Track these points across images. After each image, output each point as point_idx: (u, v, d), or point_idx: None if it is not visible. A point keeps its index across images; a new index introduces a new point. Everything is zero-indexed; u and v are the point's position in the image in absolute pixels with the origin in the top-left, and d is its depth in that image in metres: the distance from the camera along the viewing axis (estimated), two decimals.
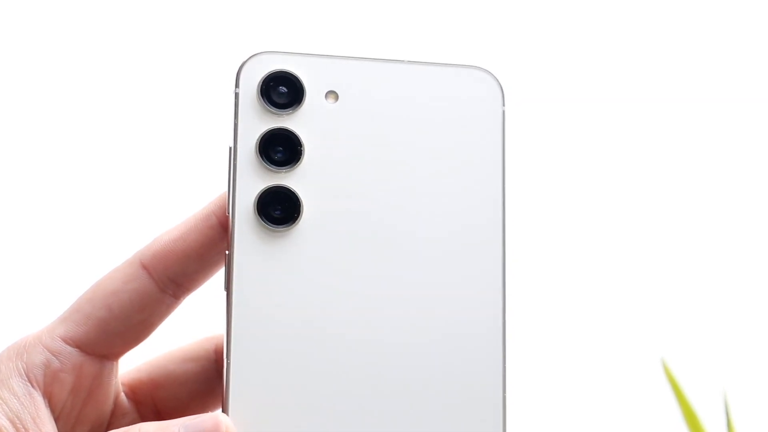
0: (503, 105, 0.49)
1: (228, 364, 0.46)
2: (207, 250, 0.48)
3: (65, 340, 0.47)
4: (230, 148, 0.47)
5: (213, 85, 0.82)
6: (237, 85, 0.47)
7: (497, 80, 0.49)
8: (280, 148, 0.47)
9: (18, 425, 0.46)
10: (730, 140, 0.94)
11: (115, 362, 0.49)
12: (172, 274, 0.47)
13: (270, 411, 0.46)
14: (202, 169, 0.84)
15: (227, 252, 0.46)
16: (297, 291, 0.46)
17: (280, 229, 0.47)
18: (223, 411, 0.46)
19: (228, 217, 0.47)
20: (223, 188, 0.48)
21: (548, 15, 0.92)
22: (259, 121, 0.47)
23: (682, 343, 0.91)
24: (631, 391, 0.91)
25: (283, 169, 0.47)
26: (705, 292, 0.92)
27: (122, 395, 0.50)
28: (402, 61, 0.48)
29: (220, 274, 0.48)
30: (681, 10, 0.94)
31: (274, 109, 0.47)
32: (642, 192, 0.93)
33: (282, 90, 0.47)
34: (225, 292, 0.46)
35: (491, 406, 0.47)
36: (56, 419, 0.47)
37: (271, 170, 0.47)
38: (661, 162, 0.93)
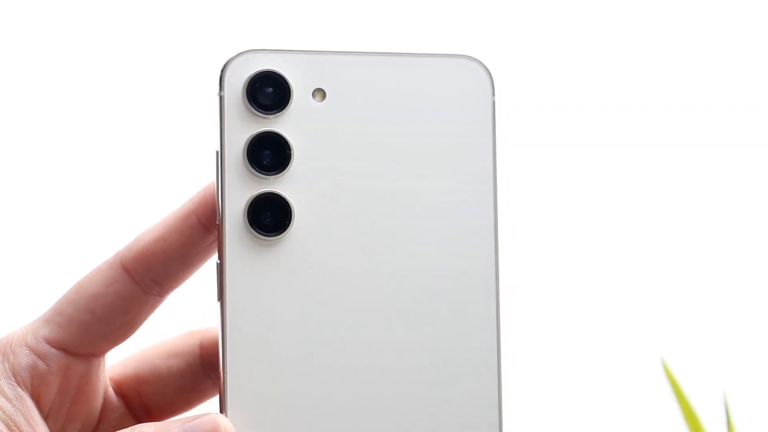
0: (493, 95, 0.47)
1: (224, 370, 0.45)
2: (189, 249, 0.47)
3: (50, 342, 0.47)
4: (217, 153, 0.46)
5: (195, 80, 0.82)
6: (221, 88, 0.46)
7: (486, 69, 0.47)
8: (268, 153, 0.46)
9: (13, 428, 0.46)
10: (729, 141, 0.94)
11: (101, 358, 0.49)
12: (155, 276, 0.47)
13: (267, 412, 0.46)
14: (180, 163, 0.84)
15: (218, 261, 0.46)
16: (290, 296, 0.46)
17: (272, 237, 0.46)
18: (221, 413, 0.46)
19: (218, 225, 0.46)
20: (200, 185, 0.47)
21: (540, 3, 0.92)
22: (246, 125, 0.46)
23: (682, 343, 0.91)
24: (631, 391, 0.91)
25: (273, 175, 0.46)
26: (705, 292, 0.92)
27: (110, 389, 0.50)
28: (388, 54, 0.47)
29: (211, 280, 0.47)
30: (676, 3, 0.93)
31: (260, 112, 0.46)
32: (642, 191, 0.93)
33: (268, 91, 0.46)
34: (218, 302, 0.46)
35: (486, 406, 0.47)
36: (45, 419, 0.47)
37: (260, 176, 0.46)
38: (661, 161, 0.93)
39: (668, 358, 0.72)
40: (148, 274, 0.47)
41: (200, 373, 0.51)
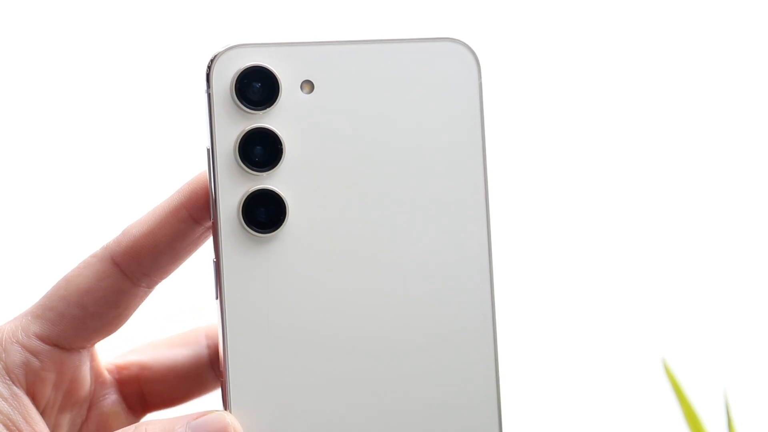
0: (479, 77, 0.47)
1: (226, 367, 0.46)
2: (179, 243, 0.47)
3: (41, 339, 0.47)
4: (208, 150, 0.46)
5: (181, 72, 0.82)
6: (208, 86, 0.46)
7: (472, 52, 0.47)
8: (259, 149, 0.46)
9: (12, 428, 0.46)
10: (729, 139, 0.94)
11: (92, 348, 0.49)
12: (145, 269, 0.47)
13: (270, 408, 0.46)
14: (164, 153, 0.83)
15: (215, 260, 0.46)
16: (288, 291, 0.46)
17: (267, 233, 0.46)
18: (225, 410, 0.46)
19: (213, 222, 0.46)
20: (187, 175, 0.47)
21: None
22: (235, 122, 0.46)
23: (683, 343, 0.91)
24: (632, 391, 0.91)
25: (265, 171, 0.46)
26: (705, 292, 0.92)
27: (103, 376, 0.50)
28: (374, 41, 0.47)
29: (208, 278, 0.47)
30: None
31: (250, 108, 0.46)
32: (642, 191, 0.93)
33: (257, 86, 0.46)
34: (217, 301, 0.46)
35: (485, 406, 0.47)
36: (41, 414, 0.47)
37: (253, 173, 0.46)
38: (661, 161, 0.93)
39: (669, 358, 0.72)
40: (139, 268, 0.47)
41: (205, 364, 0.51)
